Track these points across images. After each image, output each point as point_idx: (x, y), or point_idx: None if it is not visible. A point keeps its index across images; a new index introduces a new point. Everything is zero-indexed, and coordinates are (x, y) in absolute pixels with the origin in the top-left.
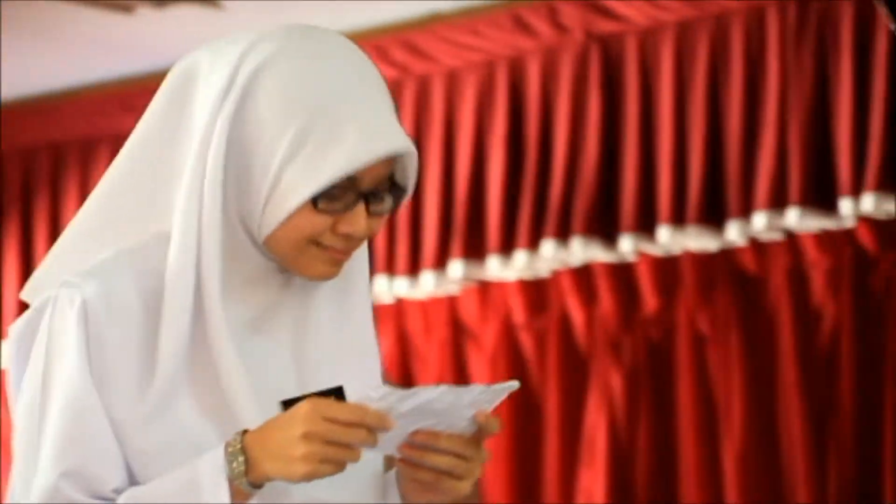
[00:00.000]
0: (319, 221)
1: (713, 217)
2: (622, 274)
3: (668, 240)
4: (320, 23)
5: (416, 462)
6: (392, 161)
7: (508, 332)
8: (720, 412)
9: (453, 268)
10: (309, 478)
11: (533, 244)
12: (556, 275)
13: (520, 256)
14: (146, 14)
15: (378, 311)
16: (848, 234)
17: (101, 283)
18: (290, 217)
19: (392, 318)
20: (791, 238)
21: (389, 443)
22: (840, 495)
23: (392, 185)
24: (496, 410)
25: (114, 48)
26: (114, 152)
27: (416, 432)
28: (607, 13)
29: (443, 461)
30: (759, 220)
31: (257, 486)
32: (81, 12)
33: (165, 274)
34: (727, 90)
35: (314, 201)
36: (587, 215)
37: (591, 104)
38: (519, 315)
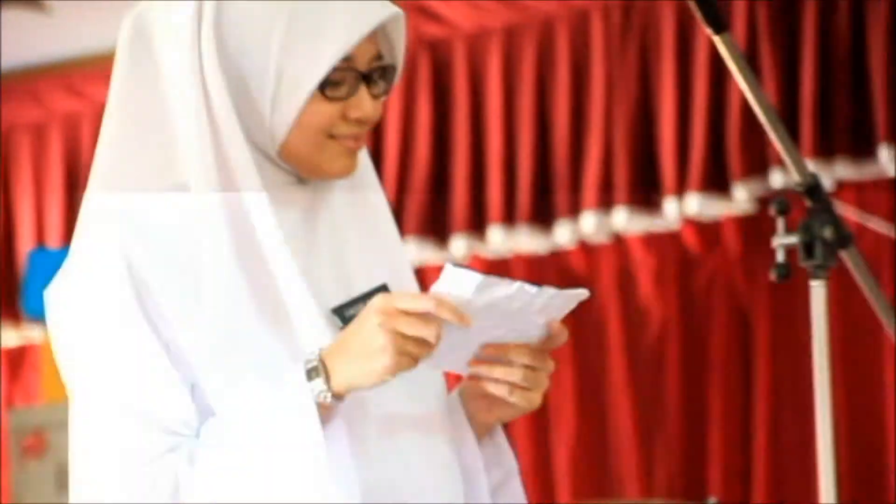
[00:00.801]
0: (330, 110)
1: (543, 218)
2: None
3: (499, 241)
4: None
5: (485, 376)
6: (377, 39)
7: None
8: (551, 410)
9: None
10: (391, 371)
11: None
12: None
13: None
14: None
15: None
16: (673, 236)
17: (133, 222)
18: (301, 112)
19: None
20: (618, 239)
21: (457, 355)
22: (668, 488)
23: (382, 66)
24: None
25: None
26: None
27: (485, 346)
28: (435, 18)
29: (513, 373)
30: (588, 221)
31: (340, 398)
32: None
33: (191, 209)
34: (554, 93)
35: (322, 89)
36: (419, 217)
37: (420, 108)
38: None
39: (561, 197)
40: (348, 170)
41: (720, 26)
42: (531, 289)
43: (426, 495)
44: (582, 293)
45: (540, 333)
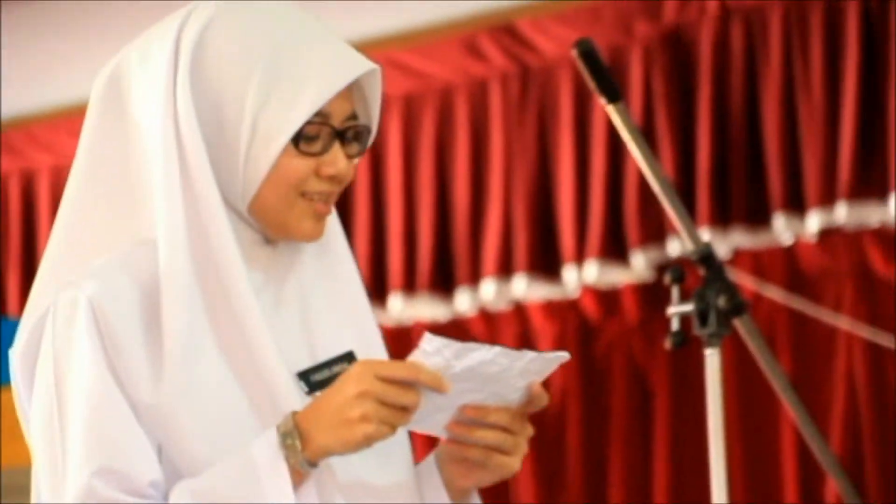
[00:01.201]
0: (303, 165)
1: (443, 285)
2: None
3: (400, 309)
4: None
5: (464, 440)
6: (352, 98)
7: None
8: None
9: None
10: (371, 440)
11: None
12: None
13: None
14: None
15: None
16: (573, 303)
17: (100, 280)
18: (274, 166)
19: None
20: (519, 307)
21: (435, 419)
22: None
23: (356, 126)
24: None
25: None
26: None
27: (463, 407)
28: None
29: (491, 436)
30: (488, 289)
31: (314, 464)
32: None
33: (159, 265)
34: (454, 161)
35: (296, 144)
36: None
37: None
38: None
39: (461, 264)
40: (315, 234)
41: (614, 96)
42: (510, 353)
43: None
44: (563, 356)
45: (519, 397)
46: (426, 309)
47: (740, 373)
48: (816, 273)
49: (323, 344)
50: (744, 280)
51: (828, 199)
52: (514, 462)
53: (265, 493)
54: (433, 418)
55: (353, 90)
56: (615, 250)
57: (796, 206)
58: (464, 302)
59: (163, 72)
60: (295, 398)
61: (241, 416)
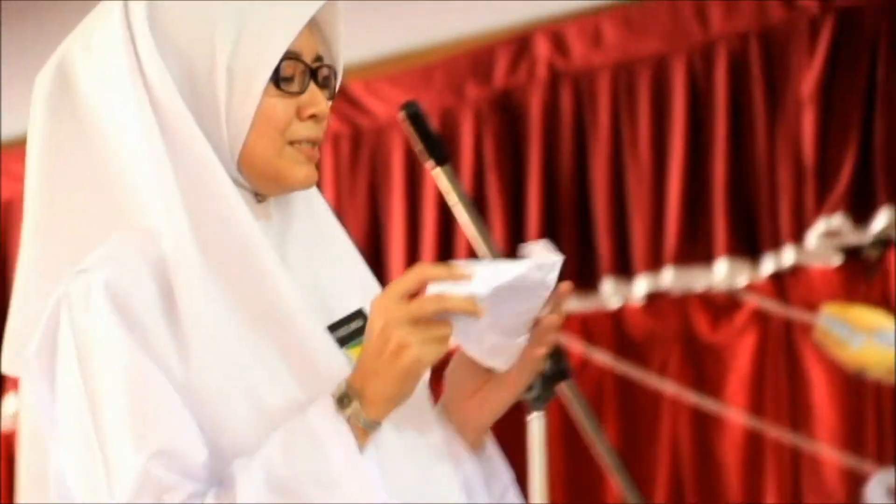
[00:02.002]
0: (285, 106)
1: None
2: None
3: None
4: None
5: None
6: (316, 39)
7: None
8: None
9: None
10: (419, 365)
11: None
12: None
13: None
14: None
15: None
16: None
17: (110, 263)
18: (258, 110)
19: None
20: None
21: (476, 331)
22: None
23: (326, 68)
24: None
25: None
26: None
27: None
28: None
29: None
30: None
31: (377, 423)
32: None
33: (165, 246)
34: None
35: (276, 83)
36: None
37: None
38: None
39: None
40: (309, 179)
41: (441, 159)
42: (542, 265)
43: None
44: (557, 259)
45: (542, 304)
46: None
47: (566, 437)
48: (643, 337)
49: (335, 301)
50: (572, 344)
51: (654, 263)
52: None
53: (331, 459)
54: (474, 331)
55: (315, 32)
56: None
57: (624, 270)
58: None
59: (118, 48)
60: (334, 353)
61: (279, 385)
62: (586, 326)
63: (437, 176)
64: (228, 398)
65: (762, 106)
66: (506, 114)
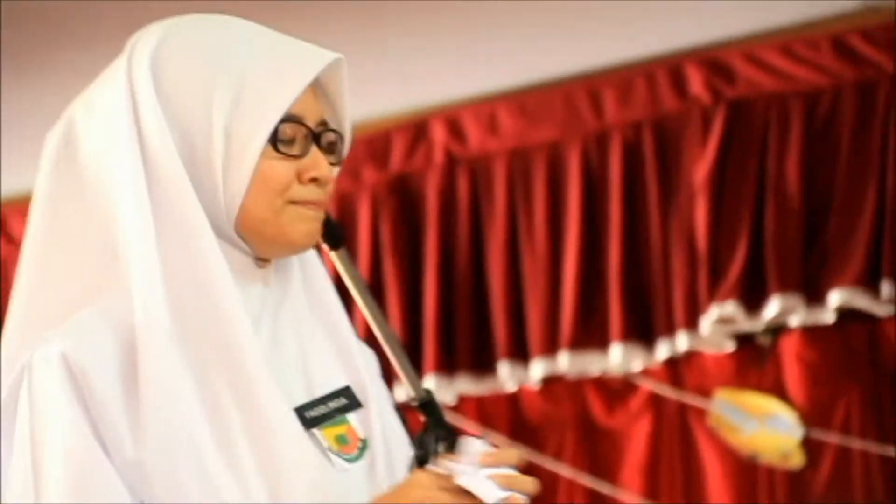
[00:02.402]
0: (284, 168)
1: None
2: None
3: None
4: None
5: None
6: (321, 104)
7: None
8: None
9: None
10: None
11: None
12: None
13: None
14: None
15: None
16: None
17: (73, 334)
18: (255, 173)
19: None
20: None
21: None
22: None
23: (330, 133)
24: None
25: None
26: None
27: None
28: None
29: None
30: None
31: None
32: None
33: (135, 312)
34: None
35: (274, 146)
36: None
37: None
38: None
39: None
40: (311, 235)
41: (336, 242)
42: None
43: None
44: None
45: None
46: None
47: None
48: (539, 420)
49: (319, 378)
50: (468, 426)
51: (550, 348)
52: None
53: None
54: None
55: (319, 96)
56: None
57: (520, 354)
58: None
59: (120, 110)
60: (297, 438)
61: (235, 470)
62: (482, 409)
63: (333, 259)
64: (181, 481)
65: (656, 194)
66: (403, 198)
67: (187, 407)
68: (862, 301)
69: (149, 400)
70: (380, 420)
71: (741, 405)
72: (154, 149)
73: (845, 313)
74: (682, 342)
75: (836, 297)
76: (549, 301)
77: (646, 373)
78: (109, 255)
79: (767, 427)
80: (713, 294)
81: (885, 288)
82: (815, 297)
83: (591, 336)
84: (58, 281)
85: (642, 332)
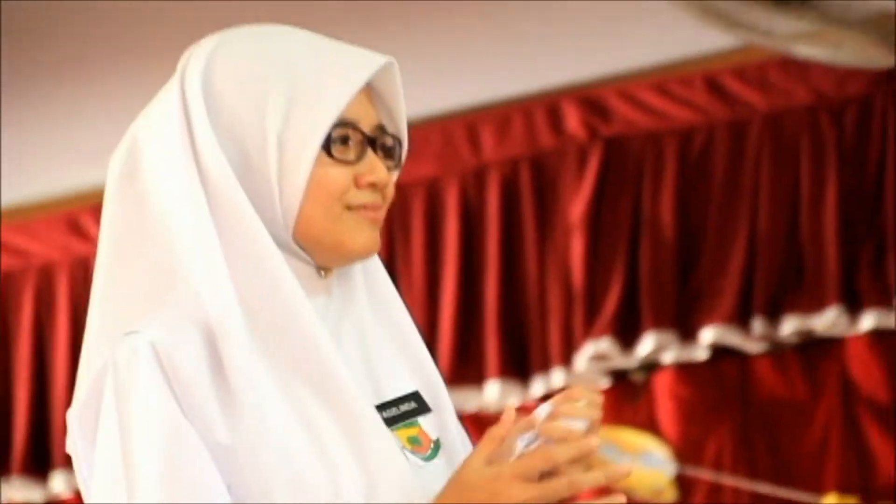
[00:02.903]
0: (340, 173)
1: (39, 468)
2: None
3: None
4: None
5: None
6: (377, 108)
7: None
8: None
9: None
10: None
11: None
12: None
13: None
14: None
15: None
16: None
17: (160, 325)
18: (311, 180)
19: None
20: None
21: None
22: None
23: (387, 137)
24: None
25: None
26: None
27: None
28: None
29: None
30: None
31: None
32: None
33: (209, 316)
34: (54, 344)
35: (328, 151)
36: None
37: None
38: None
39: (58, 447)
40: (371, 244)
41: None
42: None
43: None
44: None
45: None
46: (19, 493)
47: None
48: None
49: (386, 381)
50: None
51: None
52: None
53: None
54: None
55: (375, 100)
56: None
57: None
58: (59, 483)
59: (174, 129)
60: (382, 431)
61: (324, 458)
62: None
63: None
64: (273, 466)
65: (533, 230)
66: None
67: (277, 399)
68: (734, 338)
69: (238, 386)
70: (452, 422)
71: (615, 441)
72: (208, 166)
73: (718, 350)
74: (557, 378)
75: (708, 335)
76: (426, 337)
77: (522, 409)
78: (170, 271)
79: (641, 463)
80: (588, 330)
81: (757, 325)
82: (688, 333)
83: (467, 372)
84: (122, 298)
85: (518, 368)
